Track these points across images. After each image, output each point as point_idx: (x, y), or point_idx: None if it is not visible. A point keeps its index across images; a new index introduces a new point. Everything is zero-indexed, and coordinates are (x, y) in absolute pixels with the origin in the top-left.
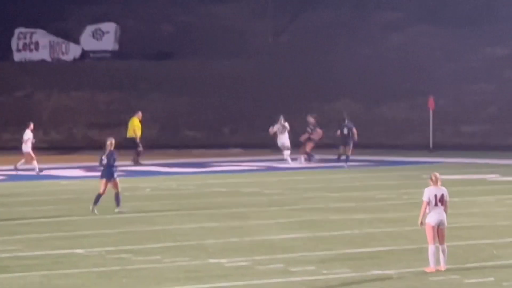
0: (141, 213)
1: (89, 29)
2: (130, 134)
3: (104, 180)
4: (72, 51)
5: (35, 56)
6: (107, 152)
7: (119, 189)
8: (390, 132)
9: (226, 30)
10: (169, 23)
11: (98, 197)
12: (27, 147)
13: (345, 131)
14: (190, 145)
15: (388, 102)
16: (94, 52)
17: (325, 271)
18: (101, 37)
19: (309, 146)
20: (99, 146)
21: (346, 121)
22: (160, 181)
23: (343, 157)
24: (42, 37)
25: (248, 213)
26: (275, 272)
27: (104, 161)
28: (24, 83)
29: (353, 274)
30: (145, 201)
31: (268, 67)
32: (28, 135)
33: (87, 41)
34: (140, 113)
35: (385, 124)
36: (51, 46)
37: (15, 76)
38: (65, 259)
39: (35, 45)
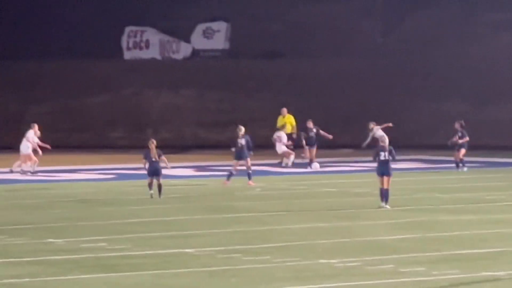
0: (251, 213)
1: (200, 27)
2: (289, 130)
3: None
4: (182, 50)
5: (145, 54)
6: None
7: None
8: (497, 133)
9: (334, 29)
10: (279, 22)
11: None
12: (27, 147)
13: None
14: (298, 145)
15: (496, 103)
16: (204, 51)
17: (434, 272)
18: (212, 36)
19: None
20: (208, 145)
21: (461, 127)
22: (271, 181)
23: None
24: (152, 35)
25: (358, 214)
26: (385, 272)
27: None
28: (133, 82)
29: (463, 275)
30: (255, 201)
31: (376, 66)
32: (30, 134)
33: (198, 39)
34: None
35: (493, 124)
36: (162, 44)
37: (125, 75)
38: (175, 258)
39: (145, 44)
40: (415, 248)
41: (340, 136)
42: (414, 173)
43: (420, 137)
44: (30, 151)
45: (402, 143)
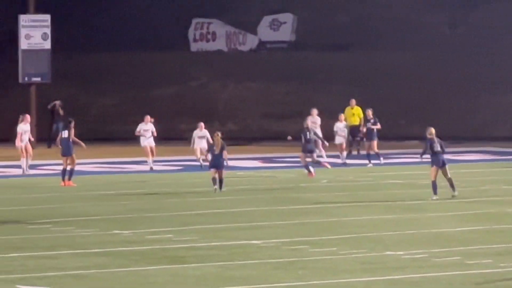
0: (317, 204)
1: (266, 19)
2: (356, 122)
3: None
4: (249, 42)
5: (211, 46)
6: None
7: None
8: None
9: (401, 21)
10: (345, 14)
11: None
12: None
13: None
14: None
15: None
16: (271, 42)
17: (502, 264)
18: (278, 28)
19: None
20: (275, 137)
21: None
22: (337, 173)
23: None
24: (219, 27)
25: (424, 205)
26: (452, 264)
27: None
28: (200, 73)
29: None
30: (322, 193)
31: (444, 59)
32: (22, 128)
33: (264, 31)
34: (352, 101)
35: None
36: (228, 36)
37: (192, 66)
38: (241, 250)
39: (212, 36)
40: (482, 240)
41: (407, 128)
42: (481, 164)
43: (487, 129)
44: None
45: (469, 135)
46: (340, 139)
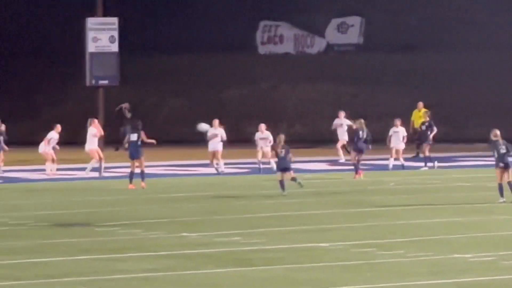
0: (385, 207)
1: (334, 22)
2: (417, 125)
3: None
4: (317, 44)
5: (279, 49)
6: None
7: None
8: None
9: (470, 22)
10: (414, 15)
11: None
12: (48, 147)
13: None
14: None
15: None
16: (338, 45)
17: None
18: (346, 30)
19: None
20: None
21: None
22: (404, 176)
23: None
24: (286, 30)
25: (492, 208)
26: None
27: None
28: (268, 76)
29: None
30: (389, 195)
31: None
32: (52, 135)
33: (332, 34)
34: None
35: None
36: (296, 39)
37: (259, 69)
38: (309, 253)
39: (280, 38)
40: None
41: (476, 130)
42: None
43: None
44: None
45: None
46: (397, 143)
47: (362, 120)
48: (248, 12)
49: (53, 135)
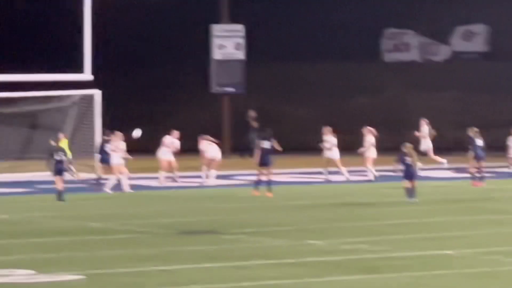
0: (510, 214)
1: (459, 30)
2: None
3: None
4: (442, 52)
5: (405, 56)
6: None
7: None
8: None
9: None
10: None
11: None
12: (166, 153)
13: None
14: None
15: None
16: (464, 53)
17: None
18: (471, 38)
19: None
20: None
21: None
22: None
23: None
24: (412, 38)
25: None
26: None
27: None
28: (394, 84)
29: None
30: None
31: None
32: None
33: (457, 42)
34: None
35: None
36: (422, 47)
37: (385, 77)
38: (435, 260)
39: (405, 46)
40: None
41: None
42: None
43: None
44: (166, 157)
45: None
46: None
47: (476, 129)
48: (373, 19)
49: (171, 140)
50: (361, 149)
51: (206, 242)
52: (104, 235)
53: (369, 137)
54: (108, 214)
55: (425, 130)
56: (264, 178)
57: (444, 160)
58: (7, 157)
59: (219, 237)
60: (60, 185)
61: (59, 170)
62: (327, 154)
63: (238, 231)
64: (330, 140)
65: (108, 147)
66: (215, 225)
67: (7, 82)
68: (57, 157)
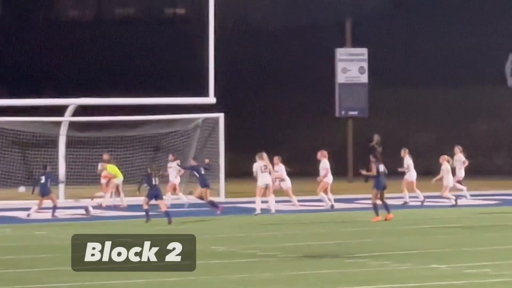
0: None
1: None
2: None
3: None
4: None
5: None
6: None
7: None
8: None
9: None
10: None
11: None
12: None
13: None
14: None
15: None
16: None
17: None
18: None
19: None
20: None
21: None
22: None
23: None
24: None
25: None
26: None
27: None
28: None
29: None
30: None
31: None
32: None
33: None
34: None
35: None
36: None
37: (509, 101)
38: None
39: None
40: None
41: None
42: None
43: None
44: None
45: None
46: None
47: None
48: (498, 44)
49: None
50: (436, 178)
51: (329, 266)
52: (227, 258)
53: (445, 165)
54: (232, 238)
55: (461, 158)
56: (379, 201)
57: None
58: (132, 180)
59: (343, 261)
60: (163, 208)
61: (156, 195)
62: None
63: (361, 255)
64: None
65: (201, 170)
66: (338, 249)
67: (130, 106)
68: (153, 182)
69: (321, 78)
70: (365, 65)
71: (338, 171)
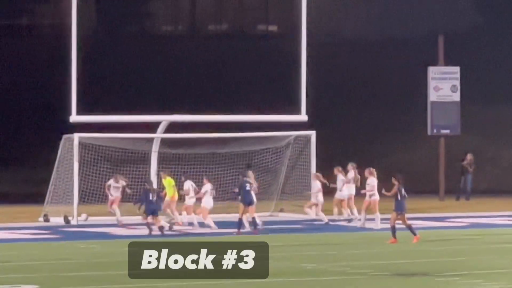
0: None
1: None
2: None
3: None
4: None
5: None
6: None
7: None
8: None
9: None
10: None
11: None
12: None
13: None
14: None
15: None
16: None
17: None
18: None
19: None
20: None
21: None
22: None
23: None
24: None
25: None
26: None
27: None
28: None
29: None
30: None
31: None
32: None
33: None
34: None
35: None
36: None
37: None
38: None
39: None
40: None
41: None
42: None
43: None
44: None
45: None
46: None
47: None
48: None
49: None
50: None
51: (420, 285)
52: (316, 276)
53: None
54: (321, 256)
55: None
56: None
57: None
58: (223, 197)
59: (433, 280)
60: (158, 223)
61: (153, 210)
62: None
63: (452, 273)
64: None
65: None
66: (429, 267)
67: (221, 122)
68: (151, 198)
69: (412, 93)
70: (457, 83)
71: (429, 189)
